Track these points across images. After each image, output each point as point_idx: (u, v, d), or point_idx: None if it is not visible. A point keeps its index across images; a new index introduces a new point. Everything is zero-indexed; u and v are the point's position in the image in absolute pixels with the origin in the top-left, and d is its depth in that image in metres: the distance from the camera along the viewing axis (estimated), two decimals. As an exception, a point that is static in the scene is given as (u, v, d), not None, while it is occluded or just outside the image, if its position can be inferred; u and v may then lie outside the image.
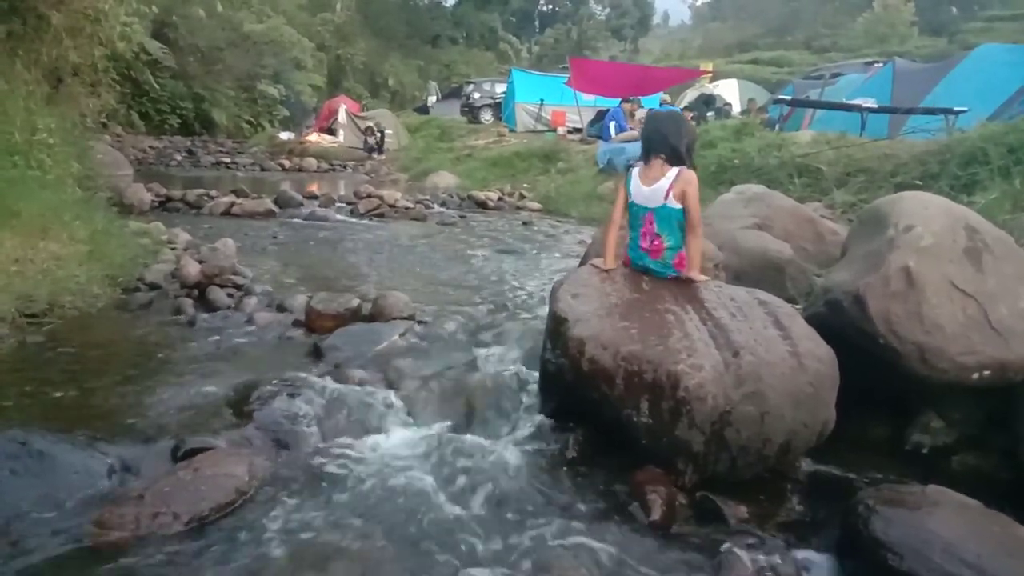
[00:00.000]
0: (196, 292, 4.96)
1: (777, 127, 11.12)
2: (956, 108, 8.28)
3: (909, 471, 2.99)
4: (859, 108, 9.54)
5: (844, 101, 10.86)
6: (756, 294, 3.26)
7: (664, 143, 3.37)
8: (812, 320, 3.16)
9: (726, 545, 2.38)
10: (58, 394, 3.23)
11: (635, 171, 3.46)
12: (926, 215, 3.20)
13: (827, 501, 2.74)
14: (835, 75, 17.14)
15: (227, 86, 30.16)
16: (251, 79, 31.41)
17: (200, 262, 5.32)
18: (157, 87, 25.80)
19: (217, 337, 4.21)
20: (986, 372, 2.90)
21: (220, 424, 3.03)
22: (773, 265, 4.22)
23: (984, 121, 6.70)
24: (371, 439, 3.01)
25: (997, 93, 8.70)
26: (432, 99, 33.58)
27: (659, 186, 3.32)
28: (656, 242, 3.36)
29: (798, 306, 3.57)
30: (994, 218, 3.72)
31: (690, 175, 3.31)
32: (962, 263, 3.03)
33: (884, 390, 3.27)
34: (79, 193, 6.43)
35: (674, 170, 3.32)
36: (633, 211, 3.44)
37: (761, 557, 2.34)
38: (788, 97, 13.76)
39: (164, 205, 9.33)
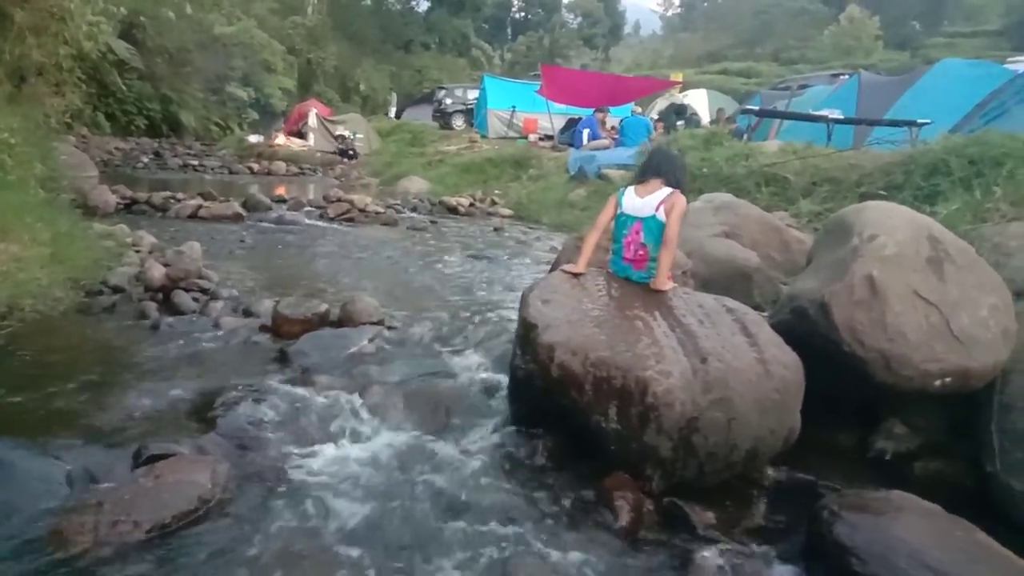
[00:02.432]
0: (161, 296, 4.88)
1: (745, 137, 11.22)
2: (919, 120, 8.41)
3: (873, 477, 3.03)
4: (825, 119, 9.63)
5: (810, 112, 10.99)
6: (724, 301, 3.29)
7: (671, 171, 3.54)
8: (778, 327, 3.19)
9: (693, 551, 2.39)
10: (17, 399, 3.16)
11: (630, 188, 3.58)
12: (890, 225, 3.25)
13: (793, 507, 2.77)
14: (802, 86, 17.34)
15: (196, 88, 29.71)
16: (220, 81, 31.00)
17: (165, 265, 5.23)
18: (124, 88, 25.34)
19: (181, 341, 4.14)
20: (948, 379, 2.95)
21: (183, 430, 2.99)
22: (740, 273, 4.26)
23: (946, 133, 6.81)
24: (338, 446, 2.98)
25: (959, 106, 8.87)
26: (392, 109, 33.16)
27: (651, 198, 3.43)
28: (641, 252, 3.42)
29: (765, 313, 3.60)
30: (955, 228, 3.79)
31: (682, 198, 3.42)
32: (925, 272, 3.08)
33: (849, 397, 3.31)
34: (42, 194, 6.29)
35: (668, 189, 3.44)
36: (621, 220, 3.50)
37: (727, 563, 2.35)
38: (756, 107, 13.91)
39: (129, 207, 9.15)
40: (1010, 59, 16.35)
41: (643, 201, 3.43)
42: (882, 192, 5.80)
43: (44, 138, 7.58)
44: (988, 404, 3.01)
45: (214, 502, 2.48)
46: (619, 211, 3.51)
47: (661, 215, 3.35)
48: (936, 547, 2.18)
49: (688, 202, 3.52)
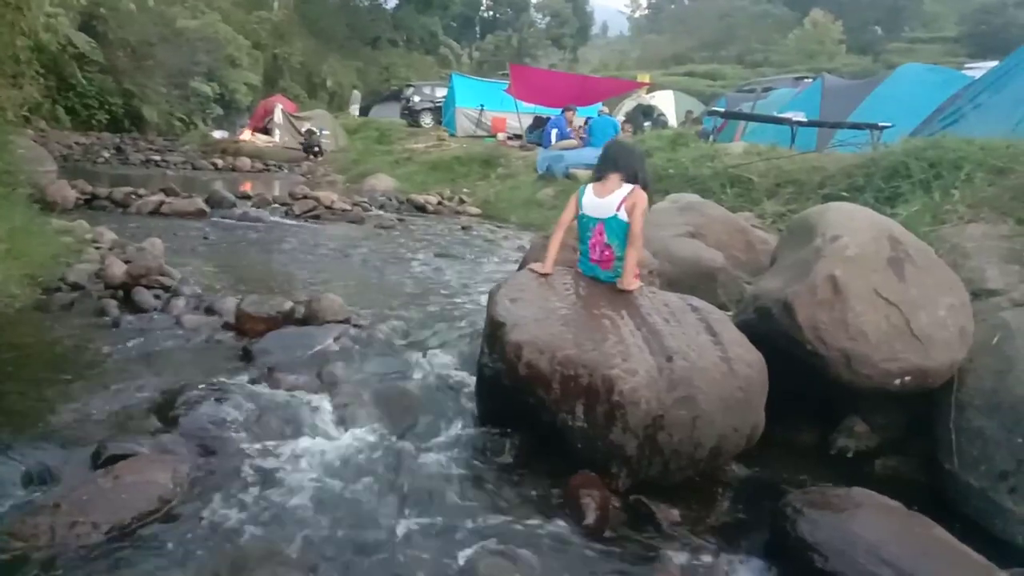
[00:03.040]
0: (121, 293, 4.79)
1: (711, 138, 11.33)
2: (881, 123, 8.55)
3: (835, 474, 3.08)
4: (789, 121, 9.76)
5: (775, 114, 11.13)
6: (689, 300, 3.32)
7: (628, 164, 3.50)
8: (743, 326, 3.22)
9: (659, 548, 2.41)
10: (-31, 398, 3.07)
11: (589, 186, 3.54)
12: (852, 226, 3.30)
13: (756, 504, 2.80)
14: (767, 89, 17.58)
15: (159, 82, 29.30)
16: (184, 76, 30.60)
17: (126, 262, 5.14)
18: (84, 81, 24.94)
19: (142, 339, 4.07)
20: (907, 378, 3.00)
21: (144, 430, 2.93)
22: (706, 272, 4.29)
23: (906, 136, 6.93)
24: (302, 445, 2.94)
25: (919, 110, 9.02)
26: (354, 107, 32.71)
27: (612, 198, 3.40)
28: (606, 252, 3.42)
29: (729, 313, 3.64)
30: (915, 230, 3.86)
31: (642, 193, 3.41)
32: (886, 272, 3.13)
33: (811, 395, 3.35)
34: (-3, 189, 6.16)
35: (628, 186, 3.42)
36: (583, 222, 3.50)
37: (692, 559, 2.37)
38: (721, 109, 14.06)
39: (89, 203, 9.01)
40: (967, 65, 16.70)
41: (603, 201, 3.41)
42: (844, 194, 5.88)
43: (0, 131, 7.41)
44: (946, 402, 3.06)
45: (175, 502, 2.44)
46: (581, 212, 3.50)
47: (623, 215, 3.35)
48: (894, 542, 2.22)
49: (655, 202, 3.52)
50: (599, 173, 3.55)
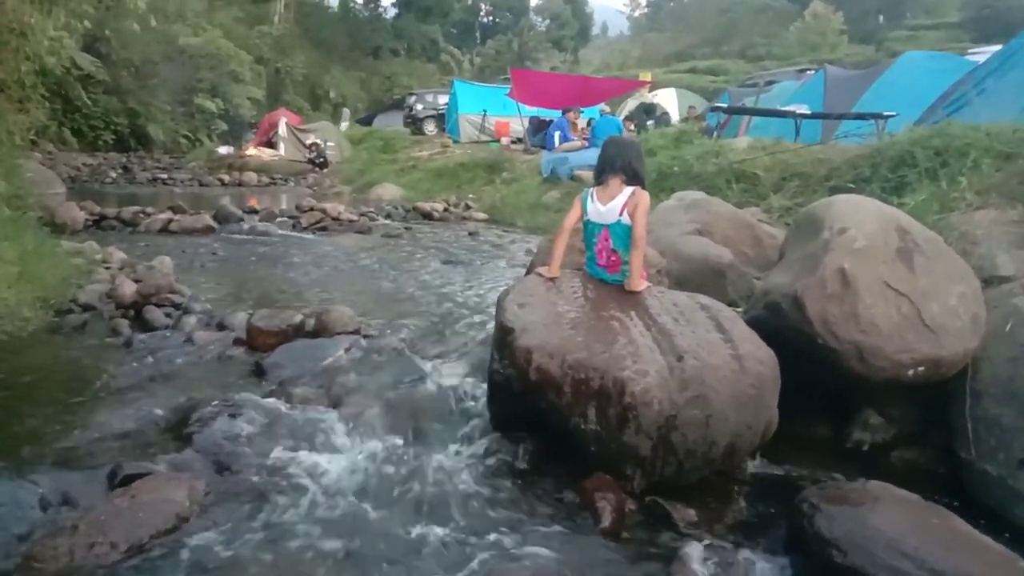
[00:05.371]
0: (132, 312, 4.83)
1: (715, 134, 11.31)
2: (885, 113, 8.53)
3: (851, 468, 3.06)
4: (793, 114, 9.76)
5: (779, 108, 11.11)
6: (698, 299, 3.31)
7: (627, 165, 3.49)
8: (753, 323, 3.21)
9: (676, 548, 2.40)
10: (-15, 422, 3.09)
11: (592, 191, 3.54)
12: (859, 217, 3.28)
13: (772, 500, 2.79)
14: (769, 83, 17.56)
15: (163, 101, 29.47)
16: (188, 93, 30.77)
17: (136, 281, 5.18)
18: (90, 103, 25.12)
19: (154, 358, 4.09)
20: (921, 369, 2.98)
21: (159, 448, 2.95)
22: (714, 270, 4.28)
23: (911, 126, 6.90)
24: (316, 458, 2.95)
25: (922, 98, 8.99)
26: (344, 124, 32.63)
27: (615, 204, 3.41)
28: (613, 258, 3.43)
29: (739, 309, 3.63)
30: (923, 219, 3.84)
31: (644, 195, 3.41)
32: (895, 263, 3.12)
33: (824, 389, 3.34)
34: (7, 212, 6.19)
35: (630, 188, 3.42)
36: (588, 229, 3.50)
37: (710, 559, 2.35)
38: (724, 105, 14.03)
39: (98, 224, 9.07)
40: (970, 51, 16.62)
41: (607, 207, 3.42)
42: (851, 185, 5.87)
43: (8, 155, 7.46)
44: (960, 392, 3.05)
45: (192, 519, 2.45)
46: (586, 218, 3.51)
47: (626, 219, 3.35)
48: (913, 535, 2.20)
49: (660, 201, 3.51)
50: (600, 177, 3.56)
